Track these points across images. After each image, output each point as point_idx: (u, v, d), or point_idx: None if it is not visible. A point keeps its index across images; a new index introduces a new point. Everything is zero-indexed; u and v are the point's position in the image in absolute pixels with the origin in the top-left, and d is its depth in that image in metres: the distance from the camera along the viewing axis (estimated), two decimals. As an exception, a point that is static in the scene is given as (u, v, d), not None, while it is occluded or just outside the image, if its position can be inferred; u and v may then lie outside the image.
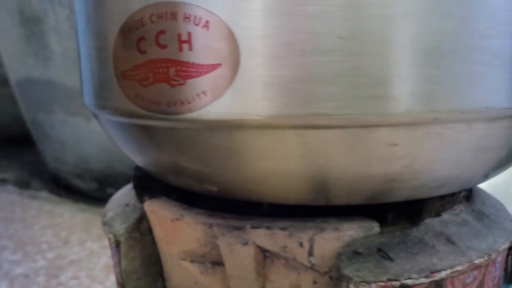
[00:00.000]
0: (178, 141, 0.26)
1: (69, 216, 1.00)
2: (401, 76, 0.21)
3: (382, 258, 0.25)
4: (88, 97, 0.30)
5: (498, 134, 0.24)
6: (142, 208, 0.32)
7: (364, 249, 0.26)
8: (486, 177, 0.29)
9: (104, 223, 0.33)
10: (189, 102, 0.23)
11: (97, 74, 0.28)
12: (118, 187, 0.41)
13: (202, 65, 0.23)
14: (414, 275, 0.24)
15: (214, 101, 0.23)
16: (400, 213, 0.30)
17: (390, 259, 0.25)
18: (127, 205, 0.33)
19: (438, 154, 0.24)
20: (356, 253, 0.26)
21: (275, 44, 0.22)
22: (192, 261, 0.30)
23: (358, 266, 0.25)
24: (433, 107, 0.22)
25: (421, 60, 0.21)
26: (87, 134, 0.98)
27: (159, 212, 0.30)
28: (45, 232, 0.93)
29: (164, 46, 0.23)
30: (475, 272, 0.26)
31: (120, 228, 0.31)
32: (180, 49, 0.23)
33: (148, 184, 0.34)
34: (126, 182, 0.37)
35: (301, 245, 0.26)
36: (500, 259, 0.28)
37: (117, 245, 0.31)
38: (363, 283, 0.24)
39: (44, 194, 1.12)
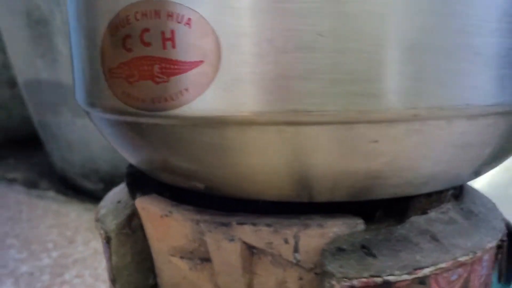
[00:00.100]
0: (163, 138, 0.26)
1: (75, 216, 1.01)
2: (381, 73, 0.22)
3: (365, 255, 0.25)
4: (79, 95, 0.30)
5: (480, 132, 0.24)
6: (133, 205, 0.32)
7: (348, 246, 0.26)
8: (476, 174, 0.29)
9: (97, 220, 0.33)
10: (172, 99, 0.24)
11: (87, 72, 0.28)
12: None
13: (185, 62, 0.23)
14: (397, 272, 0.24)
15: (197, 98, 0.23)
16: (388, 211, 0.30)
17: (373, 255, 0.25)
18: (119, 202, 0.34)
19: (419, 151, 0.24)
20: (340, 250, 0.26)
21: (256, 41, 0.22)
22: (181, 257, 0.30)
23: (341, 263, 0.25)
24: (413, 104, 0.22)
25: (401, 57, 0.22)
26: (94, 135, 0.99)
27: (150, 209, 0.31)
28: (51, 231, 0.95)
29: (148, 44, 0.24)
30: (459, 270, 0.26)
31: (111, 224, 0.31)
32: (164, 47, 0.23)
33: (141, 182, 0.34)
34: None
35: (286, 241, 0.27)
36: (487, 257, 0.28)
37: (107, 241, 0.31)
38: (345, 279, 0.24)
39: (51, 194, 1.13)
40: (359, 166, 0.24)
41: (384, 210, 0.30)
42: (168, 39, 0.23)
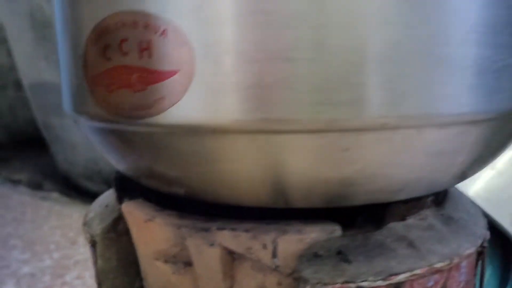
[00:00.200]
0: (144, 145, 0.27)
1: (78, 217, 1.02)
2: (350, 82, 0.22)
3: (341, 261, 0.26)
4: (67, 103, 0.31)
5: (451, 140, 0.24)
6: (120, 209, 0.33)
7: (324, 252, 0.26)
8: (456, 179, 0.29)
9: (84, 223, 0.34)
10: (149, 108, 0.24)
11: (74, 80, 0.29)
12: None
13: (161, 71, 0.23)
14: (371, 278, 0.25)
15: (173, 106, 0.24)
16: (367, 217, 0.30)
17: (349, 261, 0.25)
18: (107, 206, 0.34)
19: (390, 158, 0.24)
20: (316, 255, 0.26)
21: (228, 52, 0.22)
22: (165, 261, 0.31)
23: (317, 268, 0.25)
24: (383, 113, 0.22)
25: (370, 67, 0.22)
26: (97, 136, 1.00)
27: (135, 213, 0.31)
28: (54, 232, 0.95)
29: (126, 53, 0.24)
30: (436, 276, 0.26)
31: (97, 228, 0.32)
32: (141, 56, 0.24)
33: (129, 186, 0.35)
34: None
35: (264, 247, 0.27)
36: (466, 264, 0.28)
37: (93, 244, 0.32)
38: (319, 285, 0.24)
39: (55, 195, 1.14)
40: (332, 174, 0.24)
41: (364, 216, 0.31)
42: (145, 49, 0.24)
